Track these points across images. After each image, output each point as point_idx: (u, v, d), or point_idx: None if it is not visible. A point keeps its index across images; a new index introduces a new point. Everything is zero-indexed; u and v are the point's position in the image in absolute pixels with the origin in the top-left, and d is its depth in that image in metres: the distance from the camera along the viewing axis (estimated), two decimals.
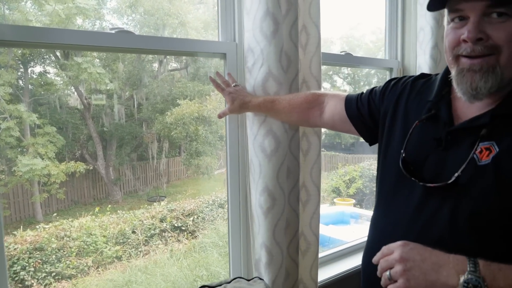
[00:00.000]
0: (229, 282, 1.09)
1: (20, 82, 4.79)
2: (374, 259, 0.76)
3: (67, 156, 4.96)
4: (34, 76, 4.92)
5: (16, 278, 2.86)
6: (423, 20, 1.73)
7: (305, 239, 1.34)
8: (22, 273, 2.90)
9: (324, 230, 3.45)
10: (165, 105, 5.63)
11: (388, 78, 1.95)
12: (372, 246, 0.84)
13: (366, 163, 5.41)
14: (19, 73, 4.74)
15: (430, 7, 0.81)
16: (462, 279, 0.64)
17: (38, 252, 3.06)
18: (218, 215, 4.11)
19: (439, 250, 0.70)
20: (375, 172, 1.02)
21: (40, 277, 2.97)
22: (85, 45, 0.99)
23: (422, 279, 0.68)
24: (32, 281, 2.94)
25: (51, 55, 4.88)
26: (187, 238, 3.72)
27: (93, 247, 3.29)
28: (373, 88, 1.04)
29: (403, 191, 0.84)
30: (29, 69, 4.83)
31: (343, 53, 1.64)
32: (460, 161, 0.75)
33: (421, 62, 1.77)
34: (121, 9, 5.73)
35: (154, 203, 4.44)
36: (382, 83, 1.05)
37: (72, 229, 3.34)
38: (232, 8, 1.24)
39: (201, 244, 3.54)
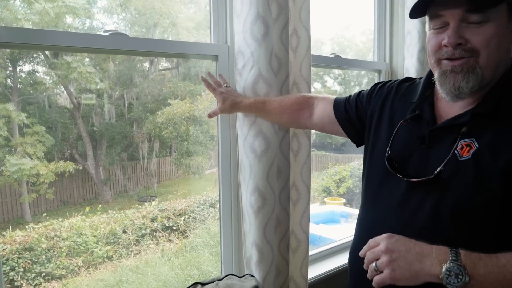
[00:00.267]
0: (221, 279, 1.12)
1: (9, 81, 4.73)
2: (361, 252, 0.80)
3: (56, 156, 4.92)
4: (23, 75, 4.87)
5: (6, 279, 2.84)
6: (410, 24, 1.78)
7: (296, 237, 1.37)
8: (11, 273, 2.87)
9: (315, 229, 3.49)
10: (156, 104, 5.61)
11: (376, 80, 2.01)
12: (358, 243, 0.88)
13: (356, 163, 5.47)
14: (8, 72, 4.69)
15: (412, 15, 0.86)
16: (444, 267, 0.68)
17: (27, 253, 3.04)
18: (209, 215, 4.12)
19: (423, 242, 0.74)
20: None
21: (30, 277, 2.95)
22: (79, 47, 1.00)
23: (406, 269, 0.71)
24: (22, 282, 2.92)
25: (40, 53, 4.83)
26: (178, 238, 3.73)
27: (84, 247, 3.28)
28: (360, 91, 1.08)
29: (388, 188, 0.89)
30: (18, 68, 4.77)
31: (332, 55, 1.68)
32: (443, 157, 0.79)
33: (408, 65, 1.82)
34: (111, 8, 5.69)
35: (145, 203, 4.44)
36: (372, 84, 1.09)
37: (62, 229, 3.32)
38: (224, 11, 1.26)
39: (192, 243, 3.55)
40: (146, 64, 5.98)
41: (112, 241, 3.45)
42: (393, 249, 0.74)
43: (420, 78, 0.96)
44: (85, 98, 5.18)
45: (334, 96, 1.15)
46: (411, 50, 1.79)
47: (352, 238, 1.03)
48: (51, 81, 4.88)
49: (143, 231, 3.66)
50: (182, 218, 3.93)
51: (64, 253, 3.16)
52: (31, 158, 4.12)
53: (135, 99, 5.70)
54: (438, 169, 0.78)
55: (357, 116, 1.06)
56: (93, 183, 5.36)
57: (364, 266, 0.78)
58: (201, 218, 4.05)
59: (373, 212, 0.93)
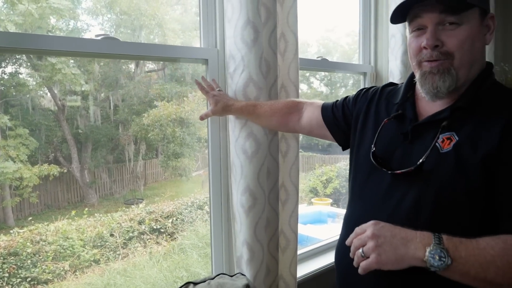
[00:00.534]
0: (212, 278, 1.14)
1: None
2: (348, 241, 0.84)
3: (40, 159, 4.83)
4: (5, 77, 4.78)
5: None
6: (394, 28, 1.83)
7: (285, 236, 1.40)
8: None
9: (302, 229, 3.52)
10: (142, 106, 5.57)
11: (362, 81, 2.06)
12: (344, 240, 0.91)
13: (342, 163, 5.55)
14: None
15: (393, 20, 0.93)
16: (428, 250, 0.73)
17: (12, 257, 2.99)
18: (197, 217, 4.12)
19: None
20: None
21: (15, 282, 2.90)
22: (71, 51, 1.01)
23: (392, 253, 0.75)
24: (6, 287, 2.87)
25: (23, 55, 4.75)
26: (166, 240, 3.72)
27: (70, 251, 3.24)
28: (347, 96, 1.15)
29: (374, 182, 0.94)
30: (0, 70, 4.69)
31: (319, 59, 1.72)
32: (425, 151, 0.85)
33: (393, 67, 1.88)
34: (96, 10, 5.64)
35: (132, 206, 4.41)
36: (357, 85, 1.16)
37: (48, 233, 3.28)
38: (214, 16, 1.29)
39: (180, 245, 3.55)
40: (132, 66, 5.93)
41: (99, 244, 3.42)
42: (379, 234, 0.78)
43: (402, 83, 1.03)
44: (69, 100, 5.11)
45: (322, 101, 1.21)
46: (395, 53, 1.85)
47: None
48: (34, 82, 4.80)
49: (131, 234, 3.63)
50: (170, 220, 3.92)
51: (50, 257, 3.11)
52: (14, 162, 4.04)
53: (120, 101, 5.65)
54: (421, 160, 0.83)
55: (344, 119, 1.12)
56: (78, 186, 5.29)
57: (351, 254, 0.82)
58: (189, 220, 4.05)
59: (360, 207, 0.97)
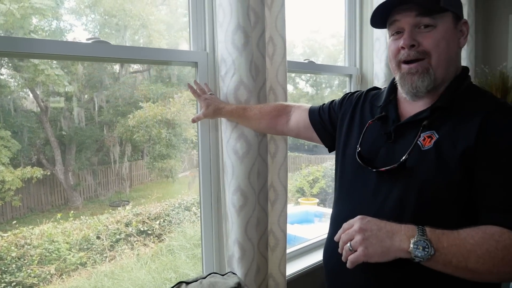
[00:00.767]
0: (204, 278, 1.16)
1: None
2: (336, 236, 0.88)
3: (23, 162, 4.74)
4: None
5: None
6: (379, 31, 1.89)
7: (274, 235, 1.43)
8: None
9: (290, 229, 3.55)
10: (127, 107, 5.52)
11: (347, 82, 2.11)
12: (332, 238, 0.95)
13: (329, 163, 5.61)
14: None
15: (374, 25, 0.99)
16: (412, 242, 0.77)
17: None
18: (185, 218, 4.12)
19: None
20: None
21: None
22: (63, 54, 1.02)
23: (378, 246, 0.79)
24: None
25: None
26: (153, 242, 3.71)
27: (56, 254, 3.20)
28: (333, 100, 1.20)
29: (361, 181, 0.98)
30: None
31: (306, 61, 1.76)
32: (407, 149, 0.89)
33: (378, 70, 1.93)
34: (79, 10, 5.56)
35: (119, 208, 4.37)
36: (343, 85, 1.22)
37: (33, 237, 3.23)
38: (203, 20, 1.31)
39: (168, 247, 3.54)
40: (117, 67, 5.86)
41: (85, 247, 3.39)
42: (365, 228, 0.82)
43: (385, 87, 1.09)
44: (53, 101, 5.02)
45: (309, 105, 1.26)
46: (379, 56, 1.90)
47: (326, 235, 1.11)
48: (16, 84, 4.71)
49: (118, 236, 3.61)
50: (157, 222, 3.90)
51: (36, 261, 3.07)
52: None
53: (105, 102, 5.58)
54: (404, 158, 0.88)
55: (330, 121, 1.17)
56: (62, 189, 5.20)
57: (339, 249, 0.86)
58: (176, 222, 4.04)
59: (348, 205, 1.01)
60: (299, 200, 5.00)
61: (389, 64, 1.00)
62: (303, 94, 6.63)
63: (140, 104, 5.39)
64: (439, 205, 0.85)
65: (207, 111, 1.25)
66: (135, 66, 6.13)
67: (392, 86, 1.03)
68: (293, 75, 6.66)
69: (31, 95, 4.90)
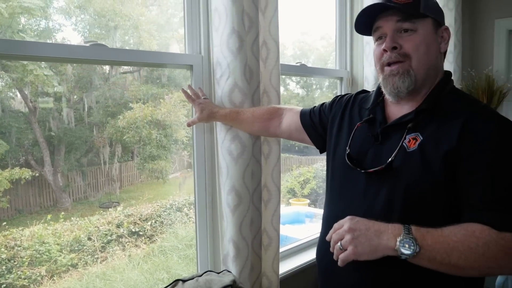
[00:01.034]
0: (200, 276, 1.18)
1: None
2: (328, 236, 0.92)
3: (11, 163, 4.69)
4: None
5: None
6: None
7: (267, 235, 1.46)
8: None
9: (281, 229, 3.58)
10: (117, 108, 5.48)
11: (338, 84, 2.16)
12: (324, 239, 0.99)
13: (319, 164, 5.67)
14: None
15: (359, 32, 1.04)
16: (398, 240, 0.81)
17: None
18: (176, 219, 4.12)
19: (381, 222, 0.86)
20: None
21: None
22: (61, 57, 1.03)
23: (367, 244, 0.83)
24: None
25: None
26: (145, 243, 3.70)
27: (46, 255, 3.18)
28: (323, 103, 1.24)
29: (351, 182, 1.02)
30: None
31: (298, 64, 1.80)
32: (393, 150, 0.94)
33: (368, 73, 1.98)
34: (69, 10, 5.50)
35: (110, 209, 4.35)
36: (333, 87, 1.26)
37: (23, 238, 3.20)
38: (198, 24, 1.34)
39: (160, 248, 3.54)
40: (107, 67, 5.82)
41: (76, 248, 3.37)
42: (355, 228, 0.86)
43: (373, 90, 1.13)
44: (41, 101, 4.96)
45: (301, 107, 1.30)
46: (369, 59, 1.95)
47: (318, 235, 1.14)
48: (4, 84, 4.65)
49: (109, 237, 3.60)
50: (149, 223, 3.90)
51: (26, 263, 3.04)
52: None
53: (95, 102, 5.53)
54: (390, 159, 0.92)
55: (320, 123, 1.21)
56: (51, 190, 5.14)
57: (331, 249, 0.90)
58: (168, 223, 4.04)
59: (340, 206, 1.05)
60: (290, 201, 5.03)
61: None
62: (294, 95, 6.67)
63: (130, 105, 5.37)
64: (425, 205, 0.90)
65: (202, 115, 1.28)
66: (125, 67, 6.09)
67: (380, 90, 1.07)
68: (283, 76, 6.70)
69: (19, 95, 4.84)
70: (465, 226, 0.82)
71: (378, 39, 1.00)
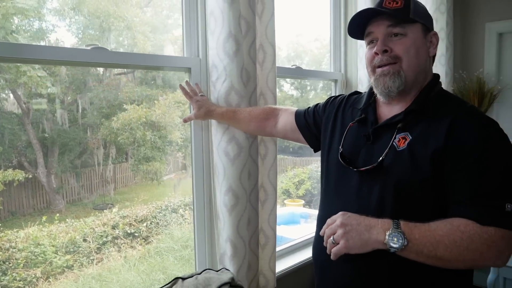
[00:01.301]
0: (199, 274, 1.21)
1: None
2: (321, 231, 0.96)
3: (4, 164, 4.66)
4: None
5: None
6: None
7: (264, 234, 1.49)
8: None
9: (276, 230, 3.59)
10: (111, 110, 5.46)
11: (332, 85, 2.19)
12: (320, 237, 1.02)
13: (314, 165, 5.70)
14: None
15: (352, 36, 1.10)
16: (387, 234, 0.85)
17: None
18: (172, 220, 4.13)
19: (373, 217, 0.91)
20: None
21: None
22: (62, 60, 1.05)
23: (358, 238, 0.87)
24: None
25: None
26: (141, 244, 3.71)
27: (42, 257, 3.17)
28: (317, 104, 1.29)
29: (345, 181, 1.06)
30: None
31: (294, 67, 1.83)
32: (384, 149, 0.98)
33: (362, 75, 2.02)
34: (63, 11, 5.48)
35: (105, 211, 4.35)
36: (327, 88, 1.31)
37: (18, 240, 3.20)
38: (196, 27, 1.36)
39: (156, 249, 3.55)
40: (101, 68, 5.79)
41: (72, 250, 3.37)
42: (346, 223, 0.90)
43: (365, 92, 1.18)
44: (35, 103, 4.94)
45: (296, 108, 1.34)
46: (363, 62, 1.96)
47: (313, 234, 1.18)
48: None
49: (104, 239, 3.60)
50: (144, 224, 3.91)
51: (21, 265, 3.04)
52: None
53: (89, 104, 5.50)
54: (381, 158, 0.97)
55: (315, 124, 1.25)
56: (44, 192, 5.10)
57: (324, 243, 0.94)
58: (163, 224, 4.05)
59: (334, 204, 1.09)
60: (285, 201, 5.05)
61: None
62: (288, 96, 6.70)
63: (125, 106, 5.36)
64: (415, 201, 0.94)
65: (199, 112, 1.32)
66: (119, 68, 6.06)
67: (372, 91, 1.12)
68: (277, 78, 6.72)
69: (12, 96, 4.81)
70: (451, 221, 0.87)
71: (370, 42, 1.04)
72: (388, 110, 1.06)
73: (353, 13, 2.09)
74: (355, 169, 1.01)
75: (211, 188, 1.41)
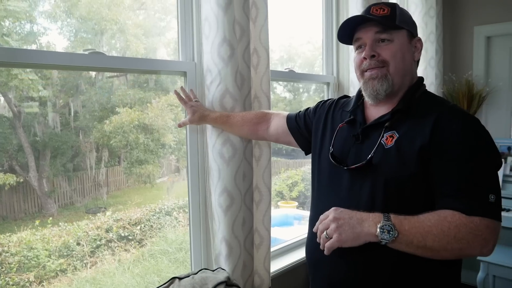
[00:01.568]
0: (196, 273, 1.23)
1: None
2: (314, 228, 1.01)
3: None
4: None
5: None
6: None
7: (259, 234, 1.51)
8: None
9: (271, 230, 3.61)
10: (103, 113, 5.44)
11: (325, 91, 2.23)
12: (314, 236, 1.06)
13: (307, 167, 5.74)
14: None
15: (343, 41, 1.15)
16: (378, 226, 0.90)
17: None
18: (166, 223, 4.13)
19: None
20: None
21: None
22: (60, 64, 1.07)
23: (350, 232, 0.92)
24: None
25: None
26: (135, 247, 3.70)
27: (35, 261, 3.16)
28: (308, 108, 1.34)
29: (336, 180, 1.10)
30: None
31: (287, 70, 1.86)
32: (372, 148, 1.03)
33: (353, 78, 2.06)
34: (55, 13, 5.46)
35: (98, 214, 4.33)
36: (319, 91, 1.37)
37: (11, 244, 3.18)
38: (191, 32, 1.39)
39: (150, 251, 3.55)
40: (93, 72, 5.76)
41: (65, 253, 3.35)
42: (339, 217, 0.94)
43: (354, 95, 1.24)
44: (26, 106, 4.91)
45: (287, 112, 1.40)
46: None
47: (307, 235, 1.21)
48: None
49: (98, 242, 3.59)
50: (138, 227, 3.90)
51: (14, 269, 3.02)
52: None
53: (81, 107, 5.48)
54: (369, 156, 1.02)
55: (305, 127, 1.30)
56: (36, 196, 5.06)
57: (317, 239, 0.98)
58: (157, 227, 4.05)
59: (327, 202, 1.12)
60: (279, 203, 5.08)
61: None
62: (281, 99, 6.74)
63: (117, 109, 5.34)
64: (405, 196, 0.99)
65: (193, 117, 1.35)
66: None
67: (360, 93, 1.17)
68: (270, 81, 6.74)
69: (2, 99, 4.78)
70: (438, 212, 0.92)
71: (358, 48, 1.10)
72: (375, 111, 1.12)
73: (345, 17, 2.15)
74: (345, 168, 1.06)
75: (206, 189, 1.44)
